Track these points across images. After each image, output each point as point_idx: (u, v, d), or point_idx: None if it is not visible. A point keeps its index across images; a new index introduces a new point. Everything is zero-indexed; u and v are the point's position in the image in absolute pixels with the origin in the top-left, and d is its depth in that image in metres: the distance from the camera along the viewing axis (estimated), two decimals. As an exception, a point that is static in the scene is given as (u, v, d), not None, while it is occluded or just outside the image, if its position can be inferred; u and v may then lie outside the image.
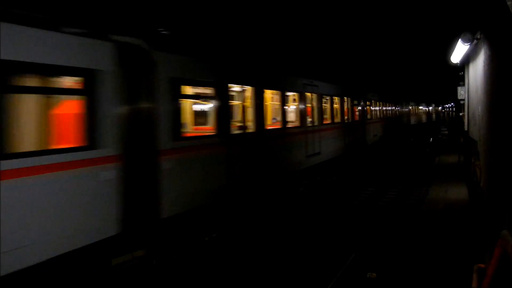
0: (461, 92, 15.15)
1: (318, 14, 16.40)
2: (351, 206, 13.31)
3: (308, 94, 13.92)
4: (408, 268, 7.48)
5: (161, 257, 7.79)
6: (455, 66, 15.41)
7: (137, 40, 7.02)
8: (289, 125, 12.68)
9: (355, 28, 19.11)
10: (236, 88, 10.18)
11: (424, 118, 68.14)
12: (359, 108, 22.30)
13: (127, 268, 7.03)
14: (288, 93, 12.74)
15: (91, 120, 6.19)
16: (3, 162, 5.01)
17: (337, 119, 17.74)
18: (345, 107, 18.98)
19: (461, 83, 15.46)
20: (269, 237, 10.02)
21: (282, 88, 12.09)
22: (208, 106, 9.62)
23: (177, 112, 7.83)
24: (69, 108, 6.34)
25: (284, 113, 12.06)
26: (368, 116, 25.10)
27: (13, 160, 5.12)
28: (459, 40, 9.75)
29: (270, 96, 12.25)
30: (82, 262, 6.01)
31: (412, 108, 49.20)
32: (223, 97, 9.23)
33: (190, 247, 8.48)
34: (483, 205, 8.09)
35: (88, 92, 6.17)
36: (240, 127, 10.03)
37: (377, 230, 10.61)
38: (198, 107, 10.00)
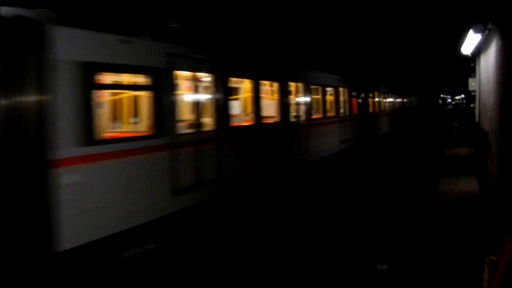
0: (472, 84, 15.01)
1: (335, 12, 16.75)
2: (360, 205, 13.30)
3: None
4: (418, 263, 7.46)
5: (172, 250, 7.84)
6: (465, 57, 15.28)
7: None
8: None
9: (366, 24, 19.09)
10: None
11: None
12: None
13: (137, 261, 7.09)
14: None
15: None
16: None
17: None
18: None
19: (472, 74, 15.31)
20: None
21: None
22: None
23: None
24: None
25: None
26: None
27: None
28: (470, 30, 9.65)
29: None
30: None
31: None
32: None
33: (203, 240, 8.54)
34: (494, 197, 8.03)
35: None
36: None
37: (384, 226, 10.59)
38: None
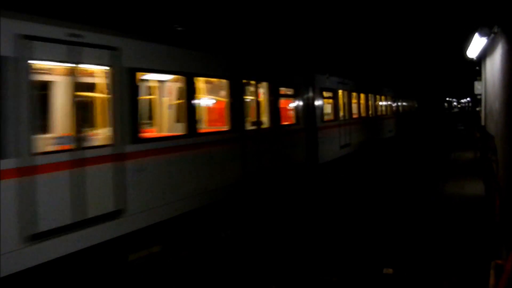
0: (478, 87, 14.99)
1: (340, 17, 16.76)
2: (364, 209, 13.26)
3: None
4: (423, 267, 7.44)
5: (177, 253, 7.87)
6: (471, 60, 15.26)
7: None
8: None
9: (371, 27, 19.05)
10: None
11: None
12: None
13: (143, 263, 7.12)
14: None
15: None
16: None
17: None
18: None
19: (477, 77, 15.30)
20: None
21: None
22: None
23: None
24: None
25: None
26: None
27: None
28: (476, 34, 9.64)
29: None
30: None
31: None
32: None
33: (208, 243, 8.55)
34: (500, 200, 8.00)
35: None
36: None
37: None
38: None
